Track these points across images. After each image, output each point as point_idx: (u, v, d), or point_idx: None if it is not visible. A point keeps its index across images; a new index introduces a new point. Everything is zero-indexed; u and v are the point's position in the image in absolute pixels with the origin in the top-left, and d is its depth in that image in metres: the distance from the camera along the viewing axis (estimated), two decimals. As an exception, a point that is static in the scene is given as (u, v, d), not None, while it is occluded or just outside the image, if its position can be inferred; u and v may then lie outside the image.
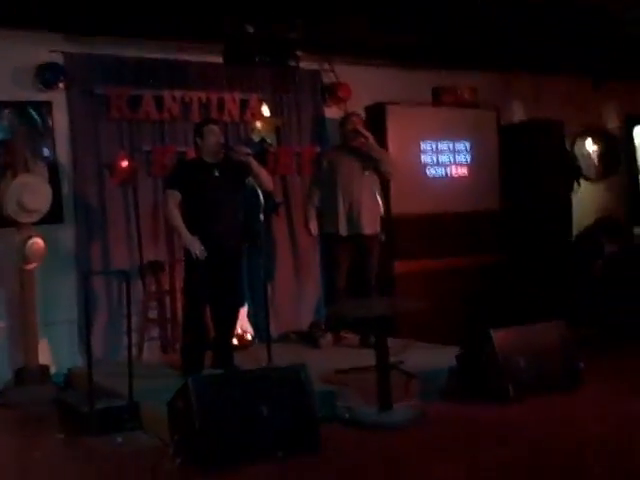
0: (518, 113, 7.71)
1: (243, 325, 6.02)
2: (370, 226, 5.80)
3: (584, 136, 8.30)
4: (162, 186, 5.60)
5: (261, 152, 6.28)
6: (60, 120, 6.01)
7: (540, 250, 7.27)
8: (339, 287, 5.91)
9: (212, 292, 5.24)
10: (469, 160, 7.17)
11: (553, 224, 7.42)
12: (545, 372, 4.73)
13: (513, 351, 4.71)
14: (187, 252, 5.18)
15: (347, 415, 4.45)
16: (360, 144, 5.80)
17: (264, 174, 5.32)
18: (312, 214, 5.99)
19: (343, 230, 5.79)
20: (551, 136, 7.54)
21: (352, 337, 6.07)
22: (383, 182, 5.94)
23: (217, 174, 5.24)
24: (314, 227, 5.98)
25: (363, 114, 6.87)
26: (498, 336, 4.73)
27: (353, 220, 5.77)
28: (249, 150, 5.34)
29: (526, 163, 7.41)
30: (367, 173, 5.82)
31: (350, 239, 5.80)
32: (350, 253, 5.85)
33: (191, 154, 6.10)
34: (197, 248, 5.07)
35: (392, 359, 4.63)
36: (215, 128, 5.34)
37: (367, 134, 5.82)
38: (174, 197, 5.19)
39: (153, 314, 6.15)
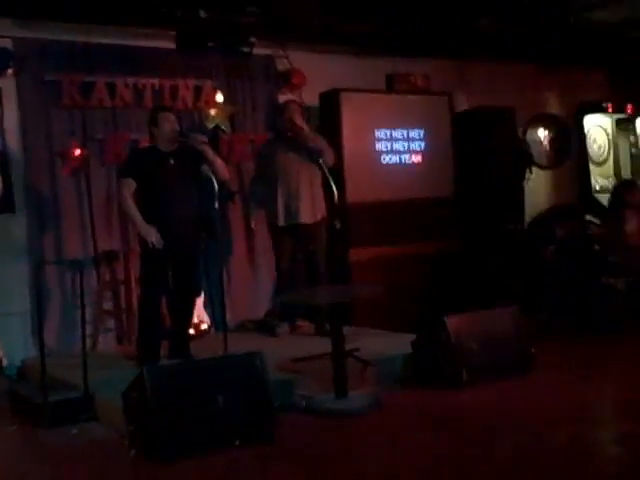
0: (471, 100, 7.77)
1: (199, 314, 6.00)
2: (308, 215, 5.84)
3: (536, 123, 8.40)
4: (116, 175, 5.52)
5: (214, 139, 6.25)
6: (10, 107, 5.89)
7: (493, 237, 7.37)
8: (281, 273, 6.00)
9: (169, 281, 5.21)
10: (423, 147, 7.21)
11: (506, 211, 7.53)
12: (498, 357, 4.80)
13: (467, 336, 4.78)
14: (143, 241, 5.13)
15: (304, 403, 4.48)
16: (294, 135, 5.82)
17: (219, 163, 5.28)
18: (252, 209, 6.12)
19: (281, 220, 5.84)
20: (503, 123, 7.61)
21: (308, 325, 6.09)
22: (330, 170, 5.85)
23: (172, 162, 5.19)
24: (254, 223, 6.12)
25: (317, 101, 6.91)
26: (452, 322, 4.79)
27: (292, 210, 5.82)
28: (204, 138, 5.31)
29: (479, 150, 7.48)
30: (305, 163, 5.82)
31: (290, 229, 5.87)
32: (291, 242, 5.92)
33: (145, 142, 6.04)
34: (153, 236, 5.03)
35: (348, 347, 4.65)
36: (170, 115, 5.28)
37: (302, 125, 5.82)
38: (128, 185, 5.13)
39: (108, 305, 6.09)
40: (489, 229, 7.39)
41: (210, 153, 5.23)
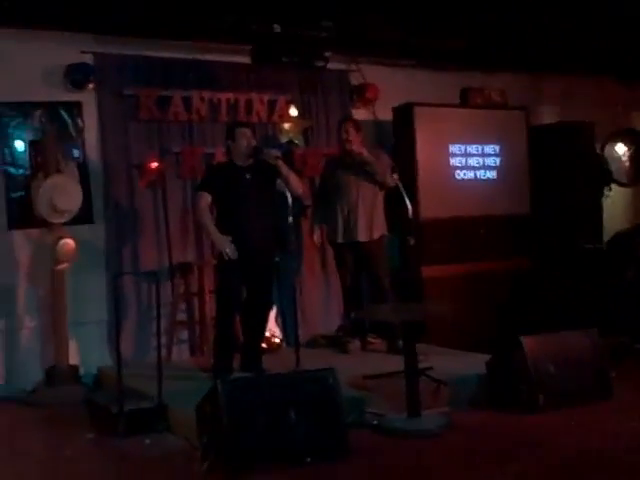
0: (548, 115, 7.63)
1: (271, 328, 6.02)
2: (365, 233, 5.82)
3: (615, 139, 8.18)
4: (193, 189, 5.61)
5: (288, 154, 6.28)
6: (90, 121, 6.04)
7: (570, 255, 7.20)
8: (346, 289, 6.04)
9: (244, 295, 5.25)
10: (498, 163, 7.11)
11: (584, 229, 7.36)
12: (576, 381, 4.66)
13: (543, 359, 4.65)
14: (218, 254, 5.20)
15: (375, 421, 4.43)
16: (356, 154, 5.81)
17: (293, 178, 5.31)
18: (315, 226, 6.17)
19: (340, 237, 5.89)
20: (581, 138, 7.45)
21: (379, 342, 6.05)
22: (404, 185, 5.81)
23: (248, 177, 5.24)
24: (317, 238, 6.17)
25: (390, 115, 6.88)
26: (528, 343, 4.67)
27: (349, 227, 5.84)
28: (278, 153, 5.34)
29: (556, 166, 7.33)
30: (364, 181, 5.84)
31: (348, 246, 5.89)
32: (351, 259, 5.94)
33: (219, 155, 6.13)
34: (227, 247, 5.09)
35: (420, 365, 4.60)
36: (247, 131, 5.34)
37: (359, 148, 5.82)
38: (204, 198, 5.22)
39: (181, 316, 6.17)
40: (566, 247, 7.21)
41: (284, 168, 5.26)
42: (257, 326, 5.41)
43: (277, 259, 5.38)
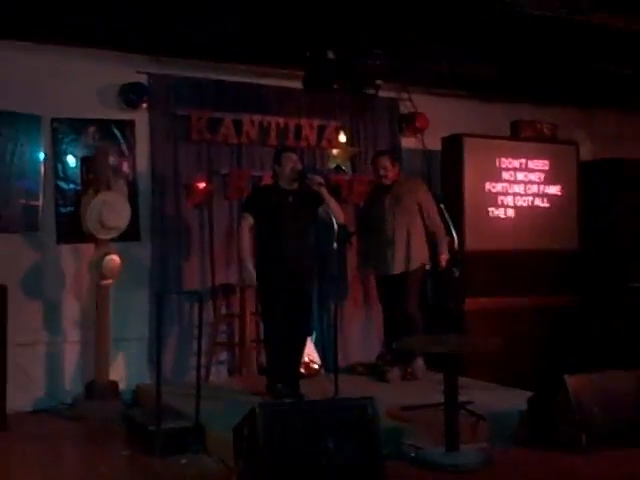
0: (598, 150, 7.53)
1: (310, 354, 6.00)
2: (401, 265, 5.81)
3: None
4: (238, 209, 5.66)
5: (336, 188, 6.31)
6: (142, 139, 6.13)
7: (617, 293, 7.08)
8: (385, 320, 6.12)
9: (283, 319, 5.25)
10: (547, 197, 7.03)
11: (632, 267, 7.21)
12: (621, 423, 4.54)
13: (588, 399, 4.55)
14: (259, 276, 5.25)
15: (413, 454, 4.38)
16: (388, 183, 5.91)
17: (334, 205, 5.36)
18: (361, 263, 6.31)
19: (378, 271, 5.96)
20: (631, 175, 7.33)
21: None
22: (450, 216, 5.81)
23: (291, 200, 5.32)
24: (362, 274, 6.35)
25: (439, 145, 6.85)
26: (572, 382, 4.58)
27: (386, 262, 5.85)
28: (321, 180, 5.38)
29: (606, 202, 7.23)
30: (401, 210, 5.86)
31: (386, 278, 5.91)
32: (390, 291, 5.94)
33: (266, 178, 6.16)
34: (248, 279, 5.25)
35: (460, 399, 4.53)
36: (293, 155, 5.45)
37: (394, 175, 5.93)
38: (247, 220, 5.34)
39: (221, 337, 6.18)
40: (613, 285, 7.10)
41: (326, 194, 5.33)
42: (296, 350, 5.40)
43: (315, 283, 5.47)
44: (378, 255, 5.91)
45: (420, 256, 5.87)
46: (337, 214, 5.33)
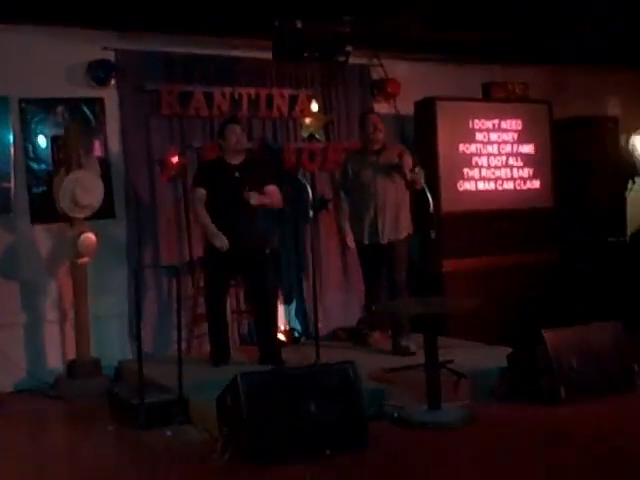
0: (571, 108, 7.54)
1: (291, 322, 6.02)
2: (392, 234, 5.68)
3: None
4: (191, 184, 5.65)
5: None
6: (112, 116, 6.07)
7: (593, 249, 7.14)
8: (368, 289, 5.95)
9: (245, 291, 5.29)
10: (521, 156, 7.05)
11: (607, 222, 7.28)
12: (598, 374, 4.62)
13: (565, 352, 4.62)
14: (206, 248, 5.34)
15: (395, 414, 4.42)
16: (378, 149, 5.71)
17: (268, 200, 5.40)
18: (347, 226, 5.85)
19: (366, 239, 5.73)
20: (605, 132, 7.37)
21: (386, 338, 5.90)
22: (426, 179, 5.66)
23: (237, 175, 5.31)
24: (351, 240, 5.84)
25: (412, 109, 6.84)
26: (550, 336, 4.64)
27: (376, 230, 5.67)
28: (254, 199, 5.29)
29: (579, 160, 7.26)
30: (390, 179, 5.67)
31: (373, 247, 5.73)
32: (376, 259, 5.79)
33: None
34: (220, 241, 5.20)
35: (441, 358, 4.57)
36: (236, 127, 5.44)
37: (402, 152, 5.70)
38: (200, 194, 5.34)
39: (201, 309, 6.18)
40: (590, 241, 7.15)
41: (258, 201, 5.31)
42: (264, 319, 5.46)
43: (268, 251, 5.50)
44: (366, 223, 5.69)
45: (408, 225, 5.80)
46: (277, 203, 5.47)
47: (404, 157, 5.62)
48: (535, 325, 4.82)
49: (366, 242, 5.75)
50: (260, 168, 5.40)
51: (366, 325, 6.10)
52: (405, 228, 5.77)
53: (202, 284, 5.72)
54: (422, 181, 5.51)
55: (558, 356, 4.60)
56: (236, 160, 5.37)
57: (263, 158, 5.78)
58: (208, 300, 5.51)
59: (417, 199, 5.77)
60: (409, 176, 5.54)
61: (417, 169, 5.57)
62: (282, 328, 5.90)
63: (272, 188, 5.44)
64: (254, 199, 5.26)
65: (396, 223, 5.70)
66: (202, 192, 5.32)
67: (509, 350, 4.90)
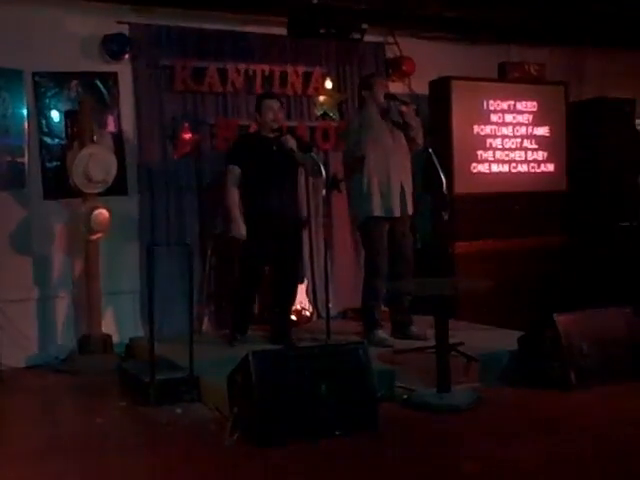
0: (588, 90, 7.47)
1: (302, 301, 6.02)
2: (405, 207, 5.40)
3: (656, 115, 8.00)
4: (224, 162, 5.58)
5: (308, 146, 5.99)
6: (125, 91, 6.05)
7: (606, 233, 7.10)
8: (377, 268, 5.42)
9: (273, 268, 5.27)
10: (535, 138, 7.00)
11: (621, 206, 7.23)
12: (610, 359, 4.60)
13: (577, 337, 4.60)
14: (248, 228, 5.24)
15: (405, 396, 4.43)
16: (405, 112, 5.32)
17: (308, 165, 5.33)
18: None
19: (377, 210, 5.33)
20: (621, 115, 7.29)
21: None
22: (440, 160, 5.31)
23: (275, 149, 5.27)
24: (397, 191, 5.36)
25: (427, 88, 6.79)
26: (562, 320, 4.62)
27: (389, 200, 5.33)
28: (293, 145, 5.24)
29: (594, 143, 7.20)
30: (400, 146, 5.40)
31: (386, 219, 5.39)
32: (385, 233, 5.44)
33: (254, 127, 6.10)
34: (239, 231, 5.19)
35: (451, 340, 4.57)
36: (273, 103, 5.38)
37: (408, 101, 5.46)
38: (234, 173, 5.29)
39: (212, 288, 6.20)
40: (602, 225, 7.12)
41: (299, 158, 5.27)
42: (286, 298, 5.47)
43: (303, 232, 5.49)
44: (378, 193, 5.32)
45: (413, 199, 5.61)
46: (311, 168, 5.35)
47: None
48: (547, 309, 4.81)
49: (378, 214, 5.35)
50: (299, 138, 5.36)
51: (406, 312, 5.59)
52: (413, 201, 5.52)
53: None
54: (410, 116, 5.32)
55: (569, 340, 4.58)
56: (272, 134, 5.34)
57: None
58: (242, 282, 5.46)
59: (429, 179, 5.67)
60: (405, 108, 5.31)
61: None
62: (293, 307, 5.89)
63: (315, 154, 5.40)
64: (291, 143, 5.20)
65: (409, 196, 5.45)
66: (237, 171, 5.27)
67: (519, 334, 4.88)
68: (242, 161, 5.28)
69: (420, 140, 5.42)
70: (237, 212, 5.26)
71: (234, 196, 5.28)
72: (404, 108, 5.32)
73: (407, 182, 5.46)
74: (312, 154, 5.28)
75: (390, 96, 5.44)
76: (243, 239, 5.25)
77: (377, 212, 5.34)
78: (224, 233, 5.44)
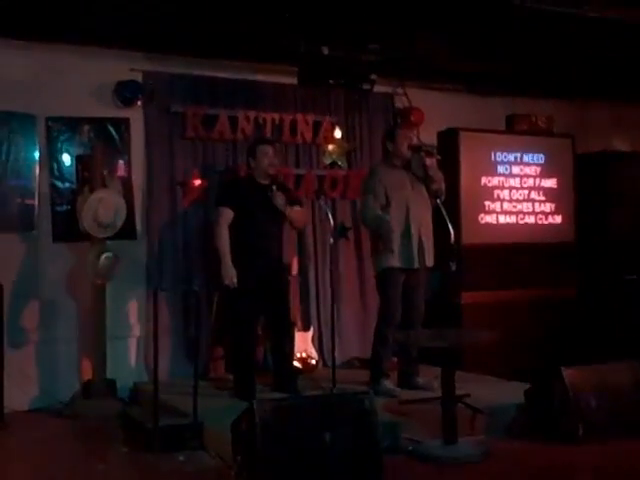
0: (595, 143, 7.52)
1: (307, 349, 6.00)
2: (424, 259, 5.35)
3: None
4: (214, 203, 5.54)
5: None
6: (137, 137, 6.11)
7: (615, 286, 7.09)
8: (392, 317, 5.35)
9: (265, 315, 5.25)
10: (543, 190, 7.03)
11: (628, 260, 7.22)
12: (617, 414, 4.55)
13: (585, 390, 4.56)
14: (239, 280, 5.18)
15: (411, 447, 4.38)
16: (428, 166, 5.31)
17: (295, 216, 5.39)
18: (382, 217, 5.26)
19: (397, 261, 5.27)
20: (630, 168, 7.32)
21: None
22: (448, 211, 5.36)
23: (269, 194, 5.26)
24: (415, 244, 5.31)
25: (435, 139, 6.84)
26: (569, 374, 4.58)
27: (410, 252, 5.29)
28: (282, 200, 5.27)
29: (602, 195, 7.23)
30: (421, 198, 5.36)
31: (405, 271, 5.33)
32: (402, 285, 5.39)
33: (244, 171, 6.04)
34: (229, 279, 5.11)
35: (458, 392, 4.53)
36: (269, 149, 5.38)
37: (433, 152, 5.42)
38: (226, 215, 5.22)
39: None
40: (609, 278, 7.10)
41: (289, 212, 5.30)
42: (283, 347, 5.42)
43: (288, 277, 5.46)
44: (402, 246, 5.26)
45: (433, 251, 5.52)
46: (297, 223, 5.44)
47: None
48: (554, 361, 4.78)
49: (398, 265, 5.29)
50: (289, 189, 5.37)
51: (413, 362, 5.51)
52: (432, 253, 5.46)
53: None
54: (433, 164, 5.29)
55: (576, 394, 4.54)
56: (266, 180, 5.34)
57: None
58: (240, 333, 5.30)
59: (437, 229, 5.67)
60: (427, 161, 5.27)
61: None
62: (298, 355, 5.87)
63: (300, 209, 5.46)
64: (280, 199, 5.19)
65: (428, 247, 5.38)
66: (229, 213, 5.19)
67: (526, 386, 4.85)
68: (234, 203, 5.22)
69: (442, 193, 5.40)
70: (228, 257, 5.14)
71: (226, 238, 5.16)
72: (428, 161, 5.30)
73: (426, 234, 5.37)
74: (320, 202, 5.30)
75: (415, 148, 5.39)
76: (233, 286, 5.11)
77: (395, 263, 5.29)
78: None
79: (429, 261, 5.41)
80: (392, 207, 5.29)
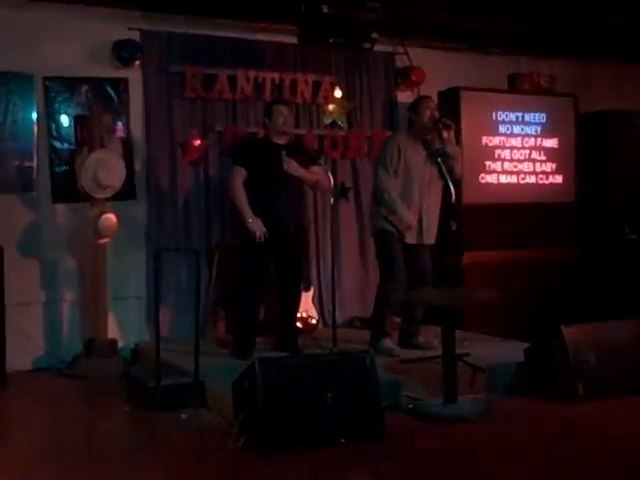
0: (597, 102, 7.47)
1: (308, 309, 6.01)
2: (434, 236, 5.40)
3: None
4: (230, 161, 5.54)
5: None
6: (135, 97, 6.06)
7: (614, 245, 7.09)
8: (397, 280, 5.29)
9: (276, 274, 5.25)
10: (544, 150, 7.00)
11: (629, 219, 7.22)
12: (617, 372, 4.57)
13: (584, 349, 4.58)
14: (247, 233, 5.16)
15: (411, 405, 4.41)
16: (447, 139, 5.24)
17: (316, 179, 5.33)
18: (403, 207, 5.21)
19: (410, 238, 5.29)
20: (631, 127, 7.27)
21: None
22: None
23: (284, 154, 5.22)
24: (414, 219, 5.27)
25: (436, 99, 6.78)
26: (569, 332, 4.60)
27: (422, 228, 5.31)
28: (295, 169, 5.23)
29: (603, 155, 7.19)
30: (435, 172, 5.29)
31: (408, 245, 5.33)
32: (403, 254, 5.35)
33: (262, 134, 6.09)
34: (258, 229, 5.08)
35: (458, 351, 4.55)
36: (284, 108, 5.34)
37: (451, 124, 5.29)
38: (240, 174, 5.21)
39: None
40: (610, 237, 7.10)
41: (307, 176, 5.26)
42: (290, 305, 5.43)
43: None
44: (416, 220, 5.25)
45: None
46: (323, 186, 5.39)
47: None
48: (554, 320, 4.79)
49: (409, 241, 5.31)
50: (306, 149, 5.31)
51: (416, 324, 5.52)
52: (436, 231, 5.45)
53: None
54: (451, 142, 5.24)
55: (576, 353, 4.56)
56: (282, 140, 5.30)
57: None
58: (246, 290, 5.29)
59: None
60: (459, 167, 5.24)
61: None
62: (299, 315, 5.88)
63: (319, 168, 5.41)
64: (289, 165, 5.16)
65: (436, 226, 5.40)
66: (243, 172, 5.19)
67: (526, 345, 4.87)
68: (249, 163, 5.22)
69: (458, 171, 5.31)
70: (248, 209, 5.12)
71: (243, 195, 5.15)
72: (445, 134, 5.22)
73: (428, 213, 5.33)
74: (321, 162, 5.28)
75: (435, 120, 5.29)
76: (263, 234, 5.08)
77: (388, 227, 5.29)
78: (231, 241, 5.38)
79: (428, 239, 5.38)
80: (401, 178, 5.26)
